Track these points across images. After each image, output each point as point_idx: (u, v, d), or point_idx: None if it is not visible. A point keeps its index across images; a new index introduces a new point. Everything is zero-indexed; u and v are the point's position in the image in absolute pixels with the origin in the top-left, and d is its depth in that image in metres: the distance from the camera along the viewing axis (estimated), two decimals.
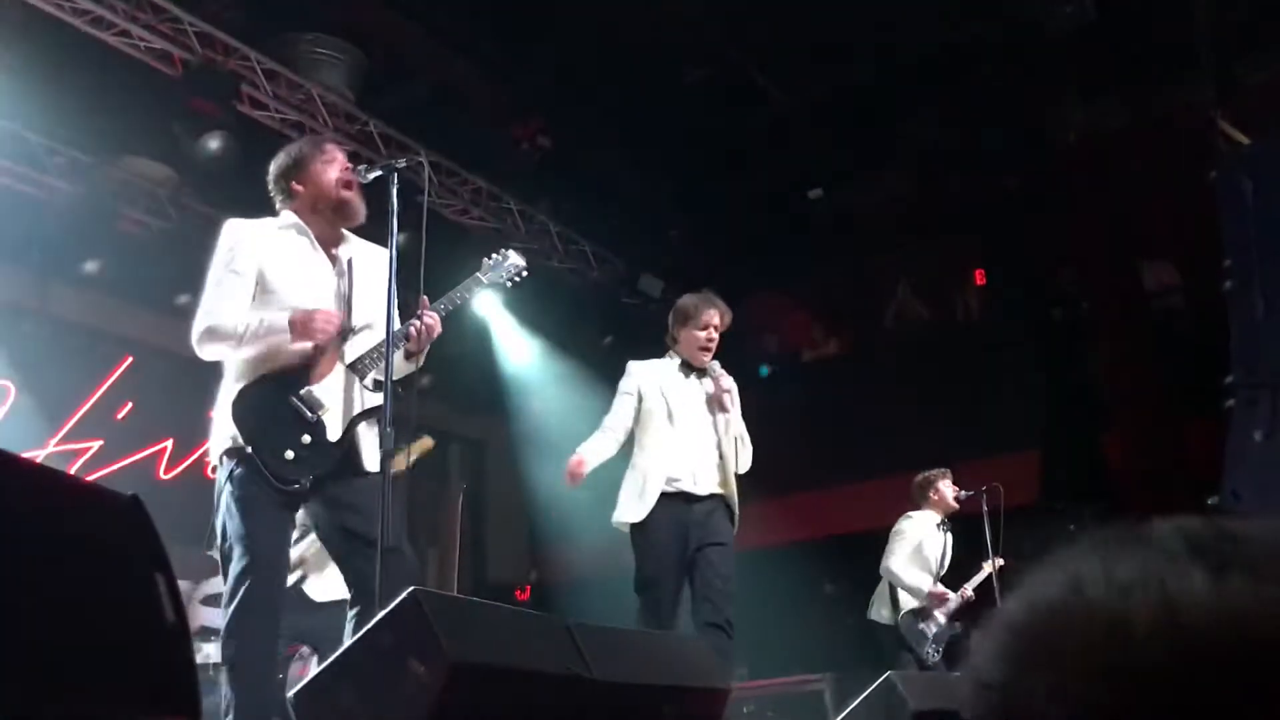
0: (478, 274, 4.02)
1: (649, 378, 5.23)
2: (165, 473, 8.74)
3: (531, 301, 10.99)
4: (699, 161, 10.05)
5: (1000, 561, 7.23)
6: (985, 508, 7.36)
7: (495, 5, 8.18)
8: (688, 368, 5.24)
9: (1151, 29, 8.52)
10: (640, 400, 5.16)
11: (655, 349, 11.30)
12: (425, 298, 3.73)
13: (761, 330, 11.64)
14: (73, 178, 7.88)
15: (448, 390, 10.87)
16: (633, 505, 4.99)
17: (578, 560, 11.31)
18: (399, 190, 3.75)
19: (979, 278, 10.67)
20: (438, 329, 3.72)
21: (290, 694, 2.56)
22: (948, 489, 7.53)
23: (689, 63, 9.00)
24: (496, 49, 8.64)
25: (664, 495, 4.95)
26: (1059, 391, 9.38)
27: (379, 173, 3.72)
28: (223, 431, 3.55)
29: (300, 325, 3.51)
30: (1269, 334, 6.73)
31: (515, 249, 4.25)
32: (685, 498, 5.00)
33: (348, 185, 3.77)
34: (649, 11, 8.30)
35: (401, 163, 3.75)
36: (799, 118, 9.57)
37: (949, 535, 7.47)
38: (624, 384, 5.26)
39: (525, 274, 4.16)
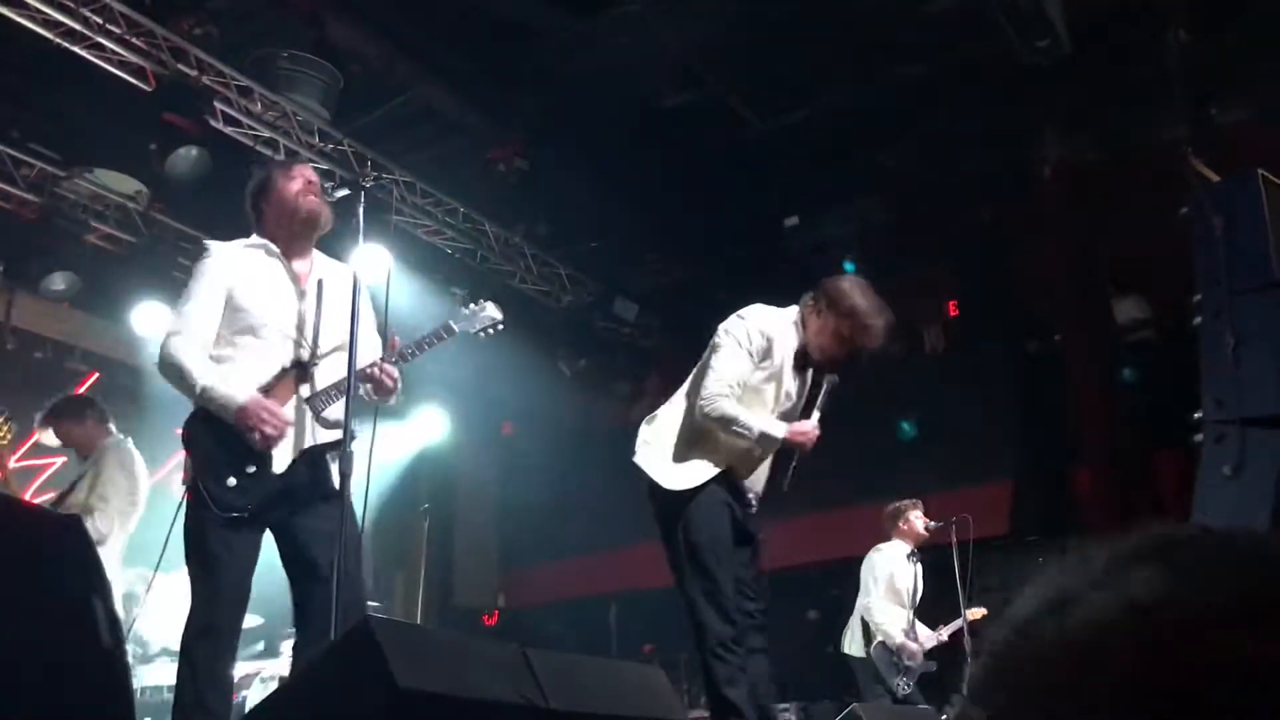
0: (450, 322, 3.96)
1: (778, 341, 4.37)
2: None
3: (506, 324, 10.95)
4: (675, 186, 10.05)
5: (981, 611, 7.23)
6: (955, 539, 7.36)
7: (472, 26, 8.17)
8: (804, 358, 4.43)
9: (1127, 65, 8.60)
10: (756, 367, 4.33)
11: (630, 371, 11.25)
12: (397, 339, 3.76)
13: None
14: (42, 190, 7.80)
15: (421, 411, 10.81)
16: (687, 471, 4.29)
17: (547, 584, 11.25)
18: (369, 209, 3.73)
19: (952, 308, 10.70)
20: (396, 388, 3.70)
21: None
22: (918, 519, 7.54)
23: (666, 87, 9.01)
24: (473, 70, 8.62)
25: (723, 473, 4.32)
26: (1030, 423, 9.40)
27: (346, 191, 3.71)
28: (186, 462, 3.59)
29: (247, 416, 3.48)
30: (1238, 369, 6.77)
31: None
32: (736, 485, 4.43)
33: (309, 194, 3.77)
34: (627, 36, 8.31)
35: (369, 182, 3.74)
36: (776, 144, 9.59)
37: (919, 566, 7.47)
38: (749, 332, 4.33)
39: (500, 328, 4.09)
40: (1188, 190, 7.29)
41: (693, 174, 9.95)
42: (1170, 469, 8.24)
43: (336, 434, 3.58)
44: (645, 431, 4.46)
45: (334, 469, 3.60)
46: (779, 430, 4.27)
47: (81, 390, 8.51)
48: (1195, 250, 7.22)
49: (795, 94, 9.12)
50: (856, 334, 4.36)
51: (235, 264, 3.70)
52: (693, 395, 4.36)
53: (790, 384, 4.39)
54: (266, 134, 7.77)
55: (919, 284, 10.95)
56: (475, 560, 11.89)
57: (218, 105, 7.45)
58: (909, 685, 7.25)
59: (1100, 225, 9.23)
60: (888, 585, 7.44)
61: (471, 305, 4.08)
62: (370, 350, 3.76)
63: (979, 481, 9.02)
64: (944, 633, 7.42)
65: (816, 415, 4.33)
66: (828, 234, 10.88)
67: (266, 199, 3.81)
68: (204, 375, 3.52)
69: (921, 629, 7.44)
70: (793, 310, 4.44)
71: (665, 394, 4.56)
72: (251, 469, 3.49)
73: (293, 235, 3.79)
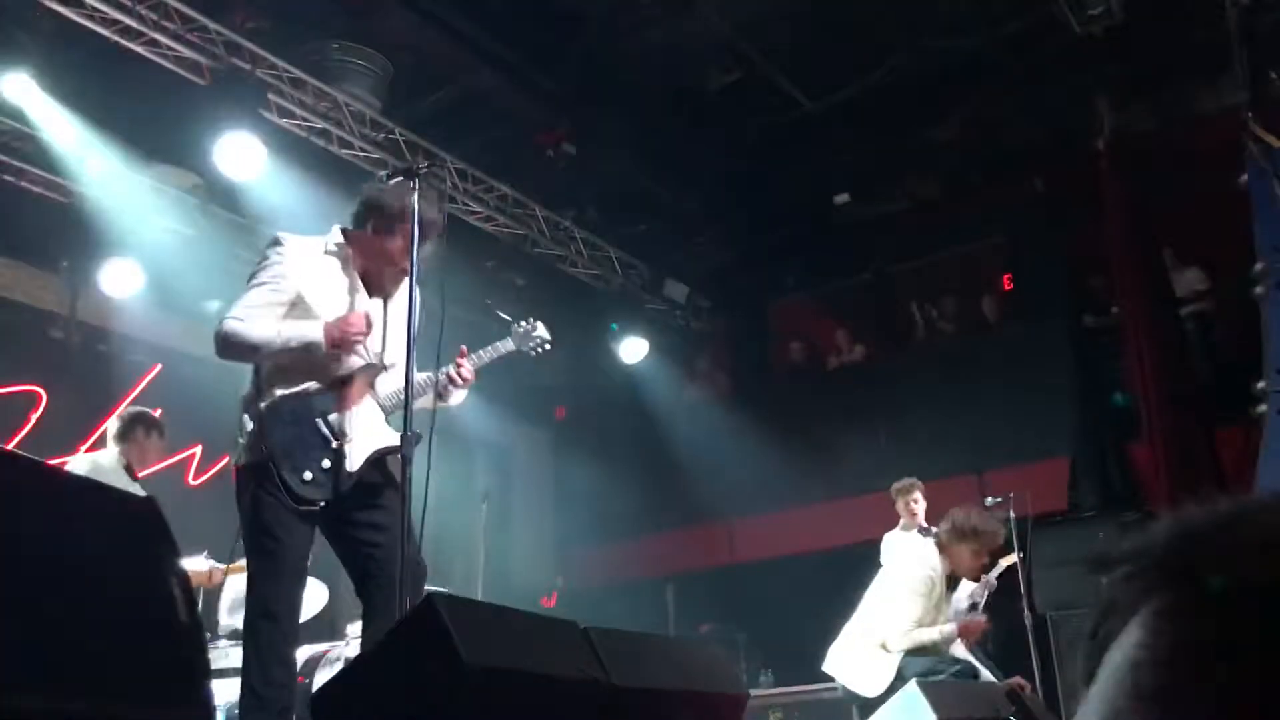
0: (510, 339, 4.16)
1: None
2: (194, 478, 8.80)
3: (554, 306, 11.03)
4: (724, 167, 10.04)
5: (1014, 557, 7.14)
6: (1013, 514, 7.31)
7: (521, 13, 8.20)
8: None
9: (1181, 31, 8.45)
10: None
11: (681, 353, 11.26)
12: (464, 347, 3.86)
13: (787, 337, 11.61)
14: (103, 185, 7.95)
15: (476, 399, 10.90)
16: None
17: (604, 566, 11.32)
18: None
19: (1006, 282, 10.59)
20: (474, 380, 3.89)
21: (308, 698, 2.57)
22: (917, 504, 7.53)
23: (713, 68, 8.99)
24: (522, 56, 8.66)
25: None
26: (1088, 398, 9.28)
27: (400, 178, 3.74)
28: (251, 443, 3.59)
29: (335, 334, 3.56)
30: None
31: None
32: None
33: (403, 264, 3.73)
34: (674, 17, 8.30)
35: (423, 168, 3.77)
36: (825, 122, 9.54)
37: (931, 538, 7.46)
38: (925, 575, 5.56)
39: (549, 347, 4.26)
40: (1246, 157, 7.18)
41: (741, 154, 9.93)
42: (1232, 442, 8.11)
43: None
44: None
45: (394, 470, 3.69)
46: None
47: (145, 382, 8.70)
48: (1255, 218, 7.11)
49: (843, 71, 9.06)
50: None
51: (309, 264, 3.70)
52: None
53: None
54: (320, 125, 7.86)
55: (972, 258, 10.86)
56: (533, 543, 11.98)
57: (271, 98, 7.55)
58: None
59: (1157, 195, 9.09)
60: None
61: (524, 323, 4.21)
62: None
63: (1037, 458, 8.92)
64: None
65: None
66: (878, 211, 10.84)
67: (377, 226, 3.76)
68: (277, 329, 3.56)
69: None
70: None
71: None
72: (327, 464, 3.56)
73: (369, 271, 3.82)
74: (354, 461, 3.62)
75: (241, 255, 8.41)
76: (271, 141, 7.45)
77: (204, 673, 1.69)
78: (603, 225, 10.14)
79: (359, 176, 8.24)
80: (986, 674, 5.64)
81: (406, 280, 3.83)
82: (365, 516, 3.65)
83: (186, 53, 7.12)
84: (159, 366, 8.88)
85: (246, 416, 3.63)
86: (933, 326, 10.90)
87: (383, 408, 3.78)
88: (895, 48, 8.85)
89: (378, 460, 3.71)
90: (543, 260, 9.85)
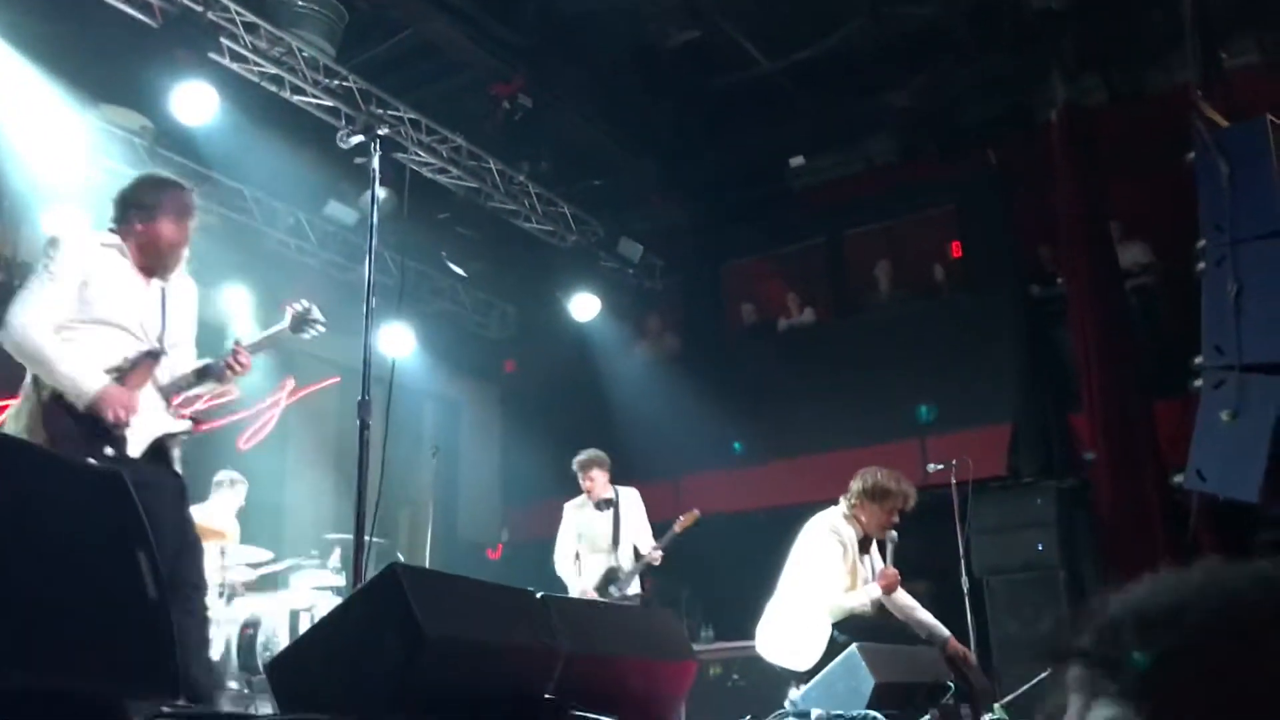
0: (284, 322, 4.12)
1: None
2: None
3: (507, 261, 10.98)
4: (680, 125, 10.01)
5: (694, 514, 7.74)
6: (954, 480, 7.45)
7: None
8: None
9: (1136, 8, 8.54)
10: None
11: (632, 312, 11.23)
12: (238, 339, 3.98)
13: (739, 298, 11.66)
14: (48, 124, 7.76)
15: (425, 352, 10.89)
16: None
17: (550, 520, 11.37)
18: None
19: (955, 250, 10.70)
20: (249, 367, 3.95)
21: (265, 664, 2.59)
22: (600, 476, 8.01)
23: (673, 25, 8.94)
24: (478, 6, 8.55)
25: None
26: (1032, 366, 9.44)
27: (361, 138, 3.73)
28: (31, 431, 3.62)
29: (104, 401, 3.57)
30: (1239, 316, 6.81)
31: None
32: None
33: (176, 246, 3.91)
34: None
35: (384, 129, 3.76)
36: (782, 84, 9.54)
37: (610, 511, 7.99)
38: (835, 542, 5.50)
39: (323, 329, 4.19)
40: (1194, 136, 7.29)
41: (698, 113, 9.90)
42: (1169, 414, 8.30)
43: (185, 425, 3.80)
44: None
45: (177, 456, 3.83)
46: None
47: None
48: (1200, 196, 7.24)
49: (802, 33, 9.06)
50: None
51: (90, 257, 3.79)
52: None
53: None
54: (273, 70, 7.72)
55: (923, 226, 10.96)
56: (479, 495, 12.01)
57: (224, 41, 7.40)
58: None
59: (1106, 170, 9.20)
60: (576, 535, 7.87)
61: (299, 304, 4.15)
62: (188, 356, 3.99)
63: (979, 424, 9.08)
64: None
65: None
66: (832, 174, 10.89)
67: (144, 219, 3.89)
68: (61, 359, 3.59)
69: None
70: None
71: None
72: (109, 450, 3.59)
73: (145, 261, 3.90)
74: (136, 448, 3.67)
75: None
76: (223, 86, 7.32)
77: (172, 650, 1.70)
78: (557, 180, 10.08)
79: (311, 123, 8.12)
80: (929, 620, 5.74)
81: (186, 285, 4.05)
82: (153, 509, 3.68)
83: None
84: None
85: (25, 405, 3.66)
86: (881, 292, 11.00)
87: (162, 392, 3.82)
88: (855, 12, 8.86)
89: (158, 448, 3.76)
90: (496, 214, 9.79)
